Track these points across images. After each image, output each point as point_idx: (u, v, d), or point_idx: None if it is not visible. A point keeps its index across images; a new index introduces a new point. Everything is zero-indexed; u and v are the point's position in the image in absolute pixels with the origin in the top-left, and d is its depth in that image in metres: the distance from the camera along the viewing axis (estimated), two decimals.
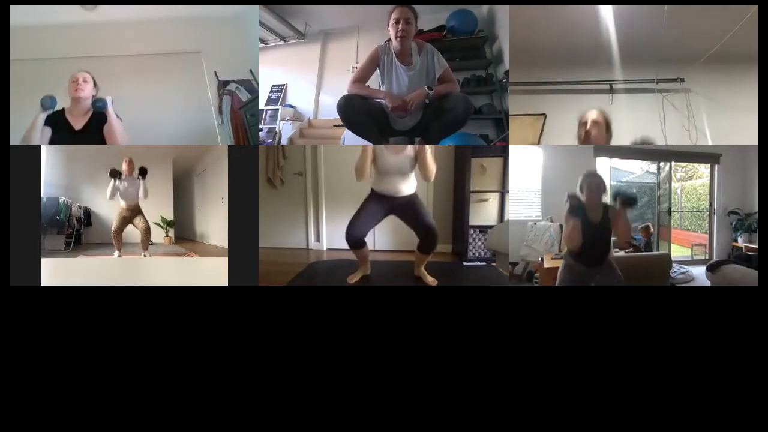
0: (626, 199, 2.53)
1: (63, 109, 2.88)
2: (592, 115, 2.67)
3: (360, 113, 2.84)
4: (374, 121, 2.88)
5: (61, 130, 2.80)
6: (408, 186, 3.03)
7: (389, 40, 2.98)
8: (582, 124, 2.70)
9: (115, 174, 4.13)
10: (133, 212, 4.26)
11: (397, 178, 2.97)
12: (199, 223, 6.06)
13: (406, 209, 3.08)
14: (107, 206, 5.32)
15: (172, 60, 3.90)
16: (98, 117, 2.83)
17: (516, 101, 3.90)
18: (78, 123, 2.84)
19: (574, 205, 2.55)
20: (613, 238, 2.70)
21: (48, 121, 2.79)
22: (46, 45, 3.69)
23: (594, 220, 2.56)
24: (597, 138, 2.63)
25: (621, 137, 2.83)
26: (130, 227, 4.33)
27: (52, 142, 2.77)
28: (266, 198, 4.55)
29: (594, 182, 2.56)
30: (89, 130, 2.83)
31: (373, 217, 3.08)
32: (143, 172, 4.17)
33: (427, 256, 3.18)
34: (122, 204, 4.23)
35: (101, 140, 2.82)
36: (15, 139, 2.61)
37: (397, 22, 2.78)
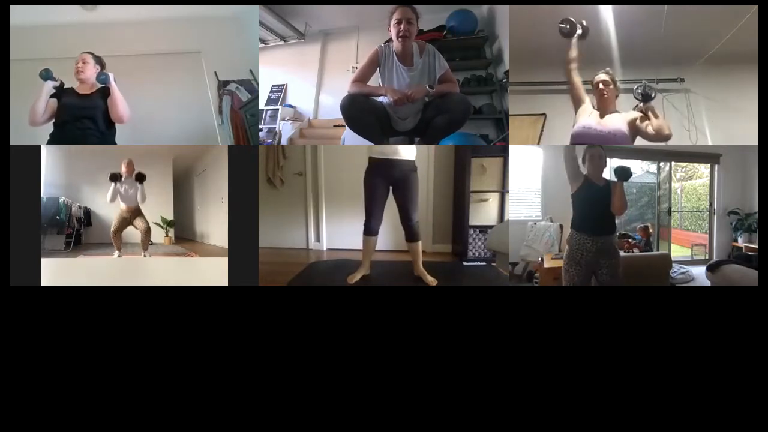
0: (622, 171, 2.63)
1: (72, 88, 2.98)
2: (600, 77, 2.75)
3: (363, 113, 2.83)
4: (376, 120, 2.87)
5: (67, 96, 2.92)
6: (406, 149, 3.09)
7: (389, 40, 2.98)
8: (595, 85, 2.75)
9: (116, 178, 4.15)
10: (133, 214, 4.28)
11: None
12: (199, 223, 6.06)
13: (403, 185, 3.13)
14: (107, 206, 5.31)
15: (172, 60, 3.90)
16: (104, 89, 2.93)
17: (516, 101, 3.89)
18: (85, 92, 2.96)
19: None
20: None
21: (55, 94, 2.90)
22: (46, 45, 3.69)
23: (597, 184, 2.68)
24: (611, 94, 2.71)
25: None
26: (130, 228, 4.33)
27: (59, 108, 2.89)
28: (266, 198, 4.55)
29: (596, 155, 2.66)
30: (95, 95, 2.93)
31: (379, 195, 3.14)
32: (141, 178, 4.20)
33: (418, 246, 3.23)
34: (122, 206, 4.25)
35: (105, 107, 2.90)
36: (15, 139, 2.61)
37: (399, 22, 2.76)
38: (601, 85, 2.72)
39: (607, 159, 2.73)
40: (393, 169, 3.10)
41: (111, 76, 2.92)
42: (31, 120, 2.88)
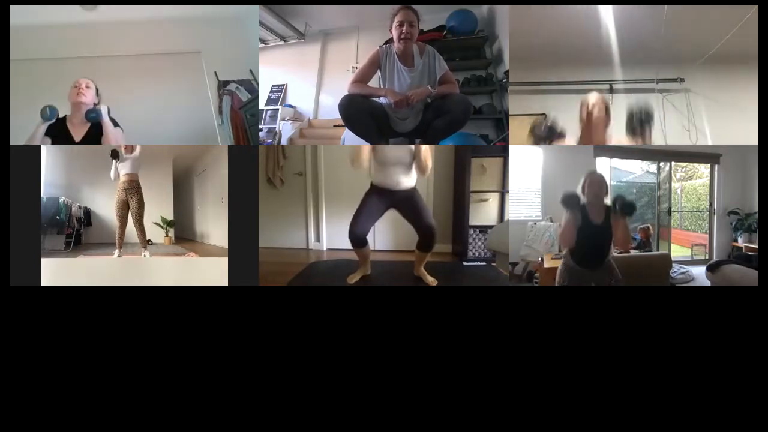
0: (625, 206, 2.53)
1: (64, 117, 2.85)
2: (592, 98, 2.70)
3: (361, 113, 2.83)
4: (375, 121, 2.88)
5: (60, 141, 2.79)
6: (408, 179, 3.04)
7: (389, 41, 2.98)
8: (583, 105, 2.72)
9: (116, 155, 4.13)
10: (130, 188, 4.25)
11: (397, 169, 2.97)
12: (199, 223, 6.06)
13: (407, 204, 3.08)
14: (107, 206, 5.34)
15: (172, 60, 3.90)
16: (98, 126, 2.83)
17: (516, 101, 3.89)
18: (78, 134, 2.83)
19: (571, 203, 2.54)
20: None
21: (49, 131, 2.77)
22: (46, 45, 3.69)
23: (596, 220, 2.56)
24: (598, 119, 2.65)
25: (621, 137, 2.86)
26: (131, 226, 4.32)
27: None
28: (266, 198, 4.55)
29: (596, 181, 2.56)
30: (89, 141, 2.82)
31: (374, 213, 3.08)
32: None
33: (427, 254, 3.19)
34: (121, 179, 4.22)
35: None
36: (15, 139, 2.61)
37: (401, 24, 2.79)
38: (590, 106, 2.66)
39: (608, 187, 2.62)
40: (393, 197, 3.07)
41: (104, 110, 2.81)
42: None
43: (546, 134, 2.66)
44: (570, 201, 2.52)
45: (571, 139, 2.76)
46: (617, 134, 2.73)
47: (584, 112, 2.73)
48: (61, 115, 2.83)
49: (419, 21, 2.84)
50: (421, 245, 3.14)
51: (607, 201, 2.61)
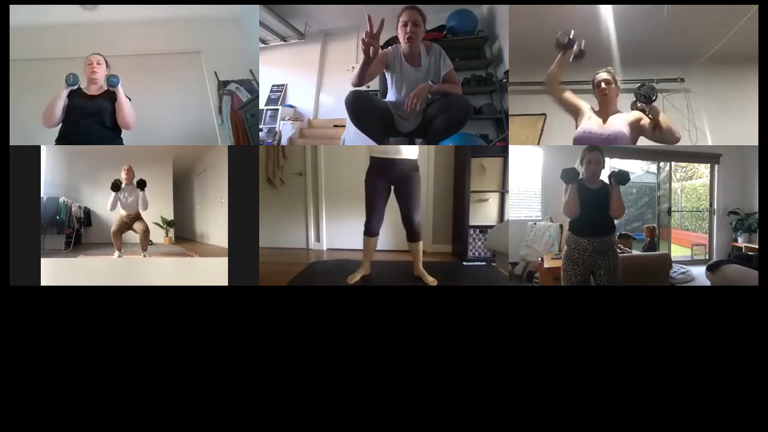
0: (619, 176, 2.63)
1: (80, 88, 2.98)
2: (602, 75, 2.75)
3: (366, 110, 2.83)
4: (379, 119, 2.88)
5: (76, 97, 2.92)
6: (408, 149, 3.08)
7: (390, 40, 2.97)
8: (596, 85, 2.76)
9: (117, 187, 4.13)
10: (133, 219, 4.28)
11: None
12: (199, 223, 6.07)
13: (405, 185, 3.13)
14: (107, 207, 5.33)
15: (172, 60, 3.90)
16: (110, 92, 2.96)
17: (516, 101, 3.89)
18: (92, 93, 2.98)
19: (570, 178, 2.65)
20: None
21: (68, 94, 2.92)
22: (46, 45, 3.70)
23: (592, 188, 2.66)
24: (612, 93, 2.72)
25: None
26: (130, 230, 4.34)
27: (68, 108, 2.88)
28: (266, 198, 4.55)
29: (594, 157, 2.65)
30: (102, 97, 2.95)
31: (380, 195, 3.15)
32: (142, 185, 4.16)
33: (418, 246, 3.24)
34: (122, 213, 4.24)
35: (112, 108, 2.92)
36: (15, 139, 2.62)
37: (405, 24, 2.80)
38: (603, 84, 2.71)
39: (606, 160, 2.72)
40: (395, 169, 3.11)
41: (119, 81, 2.96)
42: (48, 122, 2.86)
43: (566, 43, 2.70)
44: (569, 175, 2.66)
45: (591, 105, 2.81)
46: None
47: (598, 90, 2.79)
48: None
49: (425, 21, 2.84)
50: (408, 236, 3.22)
51: (604, 177, 2.71)
